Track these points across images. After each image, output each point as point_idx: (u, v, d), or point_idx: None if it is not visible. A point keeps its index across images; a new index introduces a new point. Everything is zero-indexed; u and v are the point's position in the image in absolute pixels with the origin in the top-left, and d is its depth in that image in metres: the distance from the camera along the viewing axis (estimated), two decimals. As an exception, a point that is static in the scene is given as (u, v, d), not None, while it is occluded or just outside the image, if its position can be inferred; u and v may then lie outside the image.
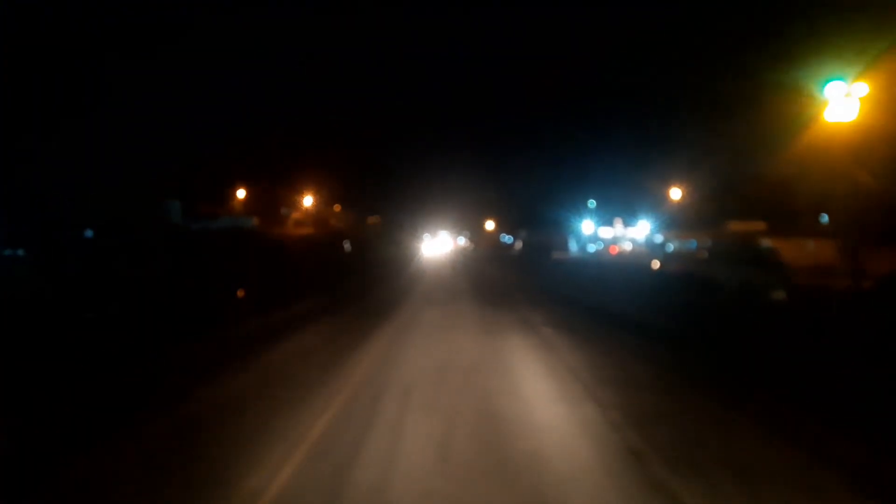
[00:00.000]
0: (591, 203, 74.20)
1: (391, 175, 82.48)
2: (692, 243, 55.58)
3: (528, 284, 24.42)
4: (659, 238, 57.05)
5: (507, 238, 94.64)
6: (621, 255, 57.93)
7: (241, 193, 75.02)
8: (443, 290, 22.06)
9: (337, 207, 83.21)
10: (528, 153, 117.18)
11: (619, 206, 64.33)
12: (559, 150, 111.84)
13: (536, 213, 77.30)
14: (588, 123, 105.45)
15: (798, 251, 44.52)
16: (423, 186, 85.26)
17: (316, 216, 74.38)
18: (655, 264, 37.11)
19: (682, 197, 51.73)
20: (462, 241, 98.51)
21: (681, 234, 57.00)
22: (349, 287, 22.12)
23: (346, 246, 40.71)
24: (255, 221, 62.18)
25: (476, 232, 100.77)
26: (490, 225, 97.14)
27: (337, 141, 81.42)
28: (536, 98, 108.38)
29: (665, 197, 52.59)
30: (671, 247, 59.08)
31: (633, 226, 61.17)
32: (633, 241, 62.87)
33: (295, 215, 75.88)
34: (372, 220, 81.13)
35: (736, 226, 52.54)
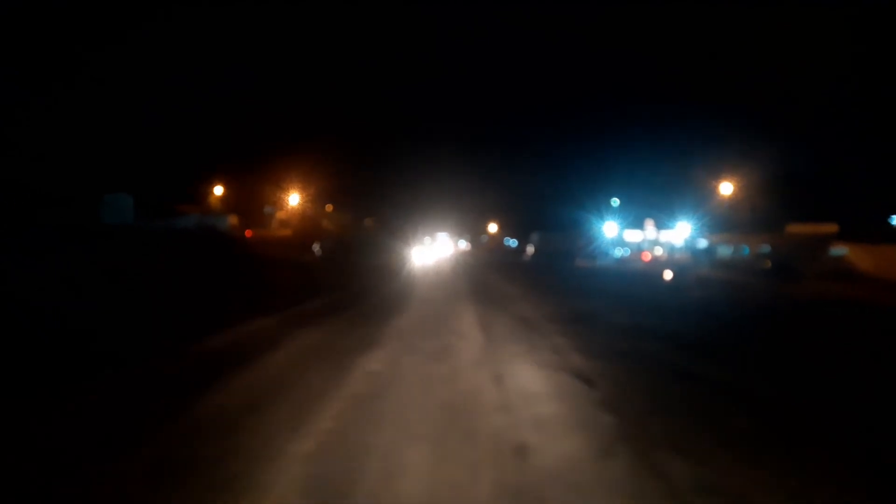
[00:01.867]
0: (615, 202, 65.16)
1: (388, 174, 75.11)
2: (743, 249, 46.53)
3: (560, 307, 15.37)
4: (703, 242, 47.85)
5: (511, 241, 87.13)
6: (656, 262, 48.89)
7: (218, 190, 68.02)
8: (435, 319, 13.12)
9: (329, 207, 75.57)
10: (538, 148, 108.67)
11: (650, 205, 55.37)
12: (576, 143, 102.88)
13: (549, 214, 68.81)
14: (609, 114, 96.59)
15: (881, 260, 35.32)
16: (422, 187, 77.93)
17: (300, 215, 66.73)
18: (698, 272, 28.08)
19: (734, 192, 42.70)
20: (463, 245, 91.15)
21: (730, 237, 47.91)
22: (301, 309, 13.67)
23: (316, 249, 32.08)
24: (231, 220, 54.54)
25: (478, 235, 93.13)
26: (493, 228, 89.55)
27: (331, 137, 73.63)
28: (548, 89, 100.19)
29: (710, 193, 43.63)
30: (720, 252, 49.89)
31: (670, 228, 52.08)
32: (669, 245, 53.60)
33: (280, 215, 68.72)
34: (367, 221, 72.62)
35: (797, 228, 43.52)
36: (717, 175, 42.29)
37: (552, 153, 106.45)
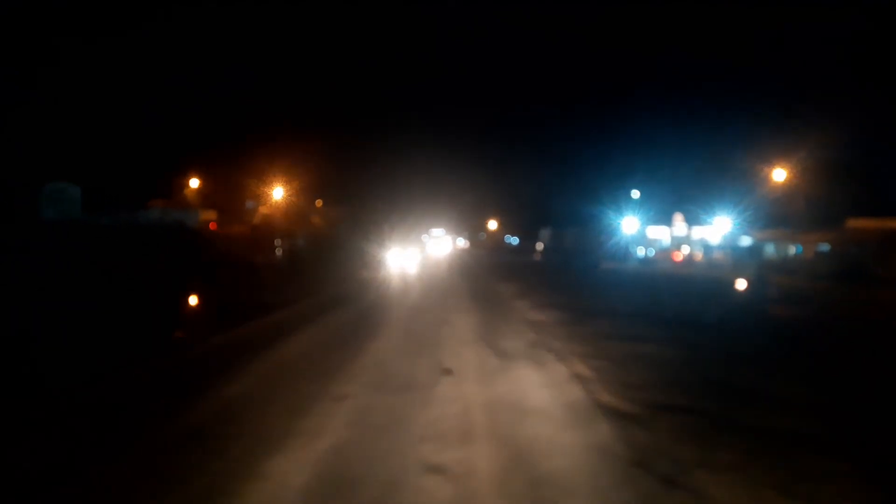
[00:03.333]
0: (635, 194, 58.08)
1: (385, 171, 69.15)
2: (797, 248, 39.53)
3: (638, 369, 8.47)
4: (746, 240, 40.96)
5: (512, 239, 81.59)
6: (690, 263, 42.15)
7: (194, 183, 62.10)
8: (407, 387, 6.29)
9: (319, 203, 70.21)
10: (542, 142, 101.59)
11: (679, 197, 48.37)
12: (588, 133, 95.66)
13: (557, 209, 61.94)
14: (625, 103, 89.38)
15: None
16: (420, 184, 71.73)
17: (284, 211, 60.75)
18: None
19: (785, 182, 35.72)
20: (462, 243, 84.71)
21: (780, 234, 40.87)
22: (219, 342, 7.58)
23: (279, 248, 25.55)
24: (205, 216, 48.97)
25: (476, 233, 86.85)
26: (493, 225, 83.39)
27: (324, 133, 67.71)
28: (550, 85, 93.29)
29: (756, 183, 36.77)
30: (768, 251, 42.81)
31: (704, 223, 45.09)
32: (703, 244, 46.56)
33: (263, 210, 63.12)
34: (339, 215, 67.20)
35: (861, 223, 36.54)
36: (766, 162, 35.52)
37: (559, 146, 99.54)
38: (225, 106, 68.84)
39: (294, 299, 14.93)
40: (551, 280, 24.84)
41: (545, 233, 46.44)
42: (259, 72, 73.51)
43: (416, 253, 41.52)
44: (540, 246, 47.92)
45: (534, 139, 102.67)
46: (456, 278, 24.31)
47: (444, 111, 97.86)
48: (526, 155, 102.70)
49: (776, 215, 38.52)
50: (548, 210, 65.50)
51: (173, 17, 58.01)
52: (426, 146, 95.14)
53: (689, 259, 43.53)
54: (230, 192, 60.20)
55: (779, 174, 35.95)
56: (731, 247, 40.31)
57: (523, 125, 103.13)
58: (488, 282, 22.59)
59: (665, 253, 46.57)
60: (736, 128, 52.66)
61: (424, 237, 59.66)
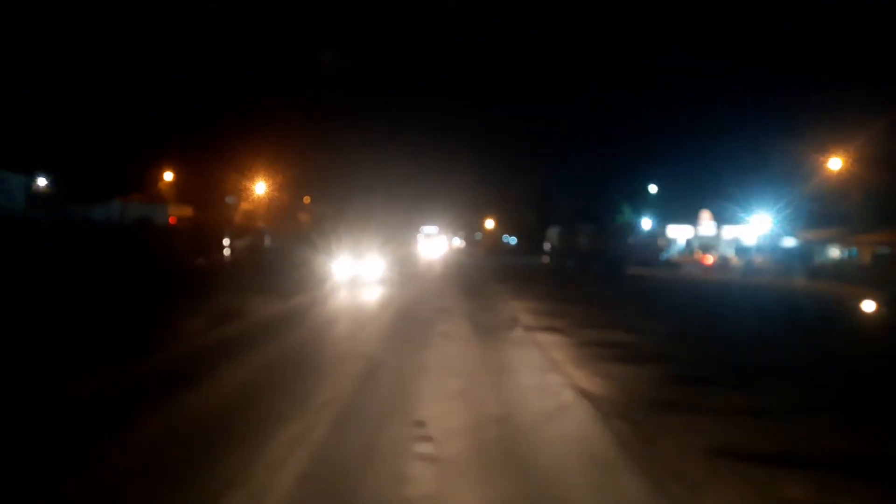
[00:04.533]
0: (652, 189, 52.49)
1: (377, 166, 64.29)
2: (850, 251, 33.61)
3: None
4: (789, 241, 35.44)
5: (510, 239, 77.67)
6: (723, 267, 36.64)
7: (168, 176, 57.46)
8: None
9: (307, 199, 65.63)
10: (546, 139, 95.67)
11: (706, 192, 42.72)
12: (600, 124, 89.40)
13: (566, 207, 56.67)
14: (638, 92, 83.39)
15: None
16: (414, 180, 66.54)
17: (267, 206, 55.91)
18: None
19: (842, 172, 30.17)
20: (458, 242, 79.03)
21: (833, 234, 35.21)
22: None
23: (227, 248, 20.29)
24: (178, 211, 44.08)
25: (472, 232, 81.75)
26: (490, 224, 78.61)
27: (316, 129, 62.63)
28: (553, 82, 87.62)
29: (804, 175, 31.21)
30: (819, 254, 36.91)
31: (738, 222, 39.43)
32: (736, 244, 40.95)
33: (244, 206, 58.26)
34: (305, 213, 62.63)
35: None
36: (818, 150, 30.02)
37: (563, 140, 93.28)
38: (209, 99, 63.51)
39: (189, 331, 9.59)
40: (574, 292, 19.40)
41: (553, 232, 40.90)
42: (250, 67, 68.37)
43: (405, 254, 36.15)
44: (547, 247, 42.34)
45: (536, 135, 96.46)
46: (448, 288, 18.93)
47: (442, 109, 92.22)
48: (527, 152, 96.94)
49: (827, 212, 33.03)
50: (553, 208, 60.00)
51: (167, 7, 52.96)
52: (423, 144, 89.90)
53: (722, 263, 37.93)
54: (209, 186, 55.46)
55: (833, 164, 30.47)
56: (772, 249, 34.77)
57: (524, 121, 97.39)
58: (490, 295, 17.13)
59: (686, 256, 40.98)
60: (779, 110, 46.46)
61: (417, 236, 54.28)
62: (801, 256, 32.51)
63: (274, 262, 18.10)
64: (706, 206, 44.19)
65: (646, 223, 46.09)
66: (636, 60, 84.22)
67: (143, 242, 19.85)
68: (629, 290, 21.89)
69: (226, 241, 21.22)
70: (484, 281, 22.64)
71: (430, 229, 57.03)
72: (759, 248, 35.11)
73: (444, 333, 9.92)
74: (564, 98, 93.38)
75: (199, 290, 14.25)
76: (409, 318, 11.85)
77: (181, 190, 54.58)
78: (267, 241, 24.70)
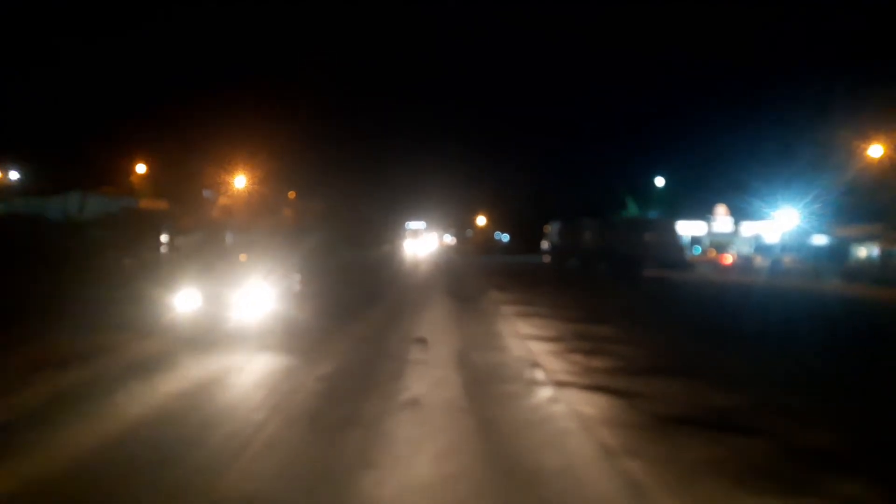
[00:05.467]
0: (659, 182, 48.80)
1: (369, 164, 61.00)
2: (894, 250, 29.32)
3: None
4: (821, 238, 31.85)
5: (502, 236, 74.89)
6: (746, 268, 33.06)
7: (140, 168, 54.13)
8: None
9: (292, 194, 62.26)
10: (542, 134, 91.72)
11: (722, 184, 39.03)
12: (601, 113, 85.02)
13: (565, 202, 53.09)
14: (636, 80, 79.28)
15: None
16: (406, 178, 63.13)
17: (245, 201, 52.36)
18: None
19: (885, 157, 26.59)
20: (449, 239, 76.00)
21: (873, 230, 31.55)
22: None
23: (164, 244, 16.54)
24: (151, 205, 41.42)
25: (464, 229, 78.10)
26: (482, 221, 75.34)
27: (304, 124, 59.20)
28: (556, 80, 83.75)
29: (840, 164, 27.62)
30: (855, 253, 33.04)
31: (760, 218, 35.73)
32: (757, 242, 37.28)
33: (223, 201, 54.73)
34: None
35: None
36: (856, 135, 26.45)
37: (563, 134, 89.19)
38: (188, 89, 59.71)
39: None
40: (594, 303, 15.71)
41: (553, 228, 37.00)
42: (240, 61, 64.60)
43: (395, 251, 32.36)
44: (545, 244, 38.43)
45: (531, 127, 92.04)
46: (431, 301, 15.30)
47: (438, 106, 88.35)
48: (523, 145, 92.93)
49: (864, 206, 29.45)
50: (550, 202, 56.19)
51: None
52: (416, 140, 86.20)
53: (745, 263, 34.25)
54: (185, 179, 52.04)
55: (873, 151, 26.92)
56: (798, 247, 31.16)
57: (519, 115, 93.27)
58: (487, 312, 13.44)
59: (701, 255, 37.30)
60: (808, 91, 41.91)
61: (404, 233, 50.57)
62: (836, 256, 28.92)
63: (208, 267, 14.31)
64: (722, 201, 40.56)
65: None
66: (641, 45, 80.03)
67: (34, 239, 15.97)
68: (664, 299, 18.24)
69: (163, 238, 17.55)
70: (478, 288, 18.77)
71: (416, 225, 53.13)
72: (785, 247, 31.46)
73: (412, 404, 6.13)
74: (564, 93, 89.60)
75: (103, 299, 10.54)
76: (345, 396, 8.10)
77: (156, 183, 51.22)
78: (229, 239, 20.98)
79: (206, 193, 53.55)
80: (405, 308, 13.37)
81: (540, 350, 8.76)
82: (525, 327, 10.82)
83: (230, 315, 8.55)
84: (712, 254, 39.48)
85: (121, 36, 55.45)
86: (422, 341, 9.23)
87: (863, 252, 30.25)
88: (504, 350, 8.89)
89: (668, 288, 22.17)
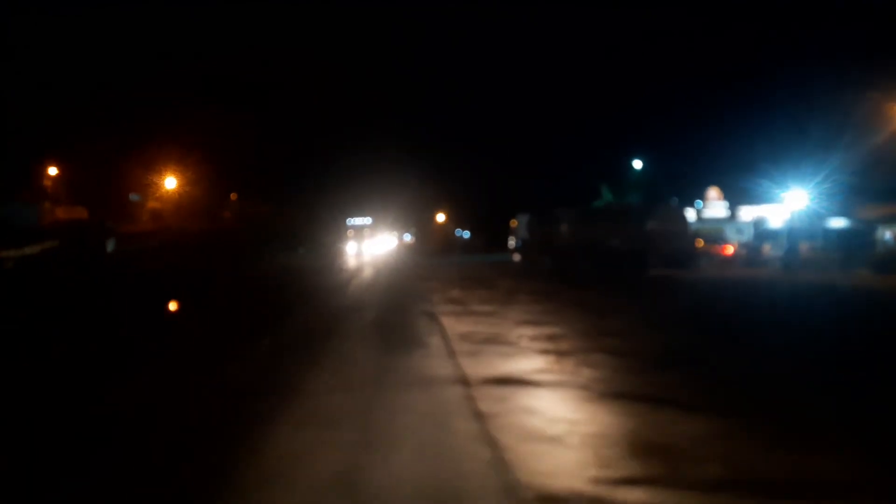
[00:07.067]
0: (637, 164, 44.35)
1: (321, 163, 56.24)
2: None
3: None
4: (840, 221, 27.38)
5: (463, 233, 72.40)
6: (753, 259, 28.54)
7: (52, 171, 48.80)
8: None
9: (234, 196, 57.34)
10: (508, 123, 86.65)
11: (707, 165, 34.50)
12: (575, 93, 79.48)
13: (530, 193, 48.98)
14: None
15: None
16: (359, 176, 58.47)
17: (177, 204, 47.45)
18: None
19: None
20: (407, 238, 71.95)
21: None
22: None
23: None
24: (66, 213, 35.11)
25: (424, 227, 73.37)
26: (441, 217, 71.52)
27: (236, 106, 53.95)
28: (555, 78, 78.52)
29: (862, 133, 23.14)
30: (882, 238, 27.22)
31: (762, 201, 31.30)
32: (758, 229, 32.74)
33: (152, 204, 49.68)
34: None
35: None
36: (882, 98, 22.02)
37: (522, 121, 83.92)
38: (110, 87, 53.47)
39: None
40: (605, 328, 10.52)
41: (521, 221, 32.10)
42: (170, 54, 58.67)
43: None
44: (513, 241, 33.72)
45: (484, 118, 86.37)
46: (356, 340, 10.05)
47: (391, 98, 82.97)
48: (477, 136, 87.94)
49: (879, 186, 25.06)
50: (514, 194, 51.34)
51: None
52: (367, 135, 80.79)
53: (750, 253, 29.66)
54: (107, 182, 46.82)
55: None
56: (811, 233, 26.57)
57: (473, 108, 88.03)
58: (434, 382, 8.13)
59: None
60: (822, 47, 36.09)
61: (346, 231, 45.09)
62: (860, 242, 24.42)
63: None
64: (713, 183, 36.04)
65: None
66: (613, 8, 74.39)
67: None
68: (687, 308, 13.29)
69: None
70: (424, 311, 13.17)
71: (360, 221, 47.35)
72: (793, 232, 26.72)
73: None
74: (525, 75, 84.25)
75: None
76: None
77: (72, 187, 45.57)
78: (110, 246, 15.70)
79: (132, 197, 48.41)
80: (279, 376, 7.76)
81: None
82: (521, 441, 5.28)
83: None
84: (700, 243, 34.74)
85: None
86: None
87: (887, 236, 25.85)
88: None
89: (674, 289, 17.23)
